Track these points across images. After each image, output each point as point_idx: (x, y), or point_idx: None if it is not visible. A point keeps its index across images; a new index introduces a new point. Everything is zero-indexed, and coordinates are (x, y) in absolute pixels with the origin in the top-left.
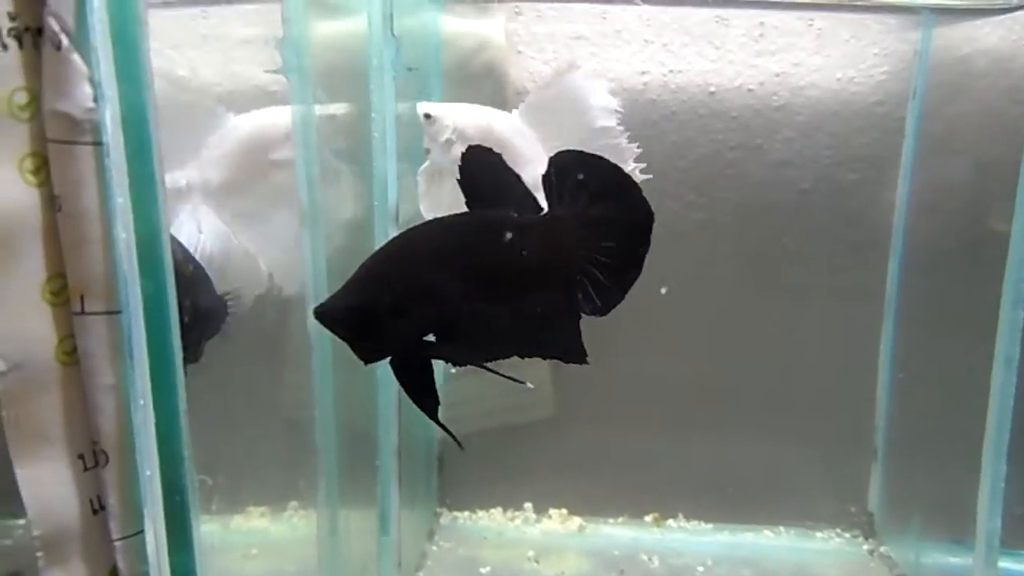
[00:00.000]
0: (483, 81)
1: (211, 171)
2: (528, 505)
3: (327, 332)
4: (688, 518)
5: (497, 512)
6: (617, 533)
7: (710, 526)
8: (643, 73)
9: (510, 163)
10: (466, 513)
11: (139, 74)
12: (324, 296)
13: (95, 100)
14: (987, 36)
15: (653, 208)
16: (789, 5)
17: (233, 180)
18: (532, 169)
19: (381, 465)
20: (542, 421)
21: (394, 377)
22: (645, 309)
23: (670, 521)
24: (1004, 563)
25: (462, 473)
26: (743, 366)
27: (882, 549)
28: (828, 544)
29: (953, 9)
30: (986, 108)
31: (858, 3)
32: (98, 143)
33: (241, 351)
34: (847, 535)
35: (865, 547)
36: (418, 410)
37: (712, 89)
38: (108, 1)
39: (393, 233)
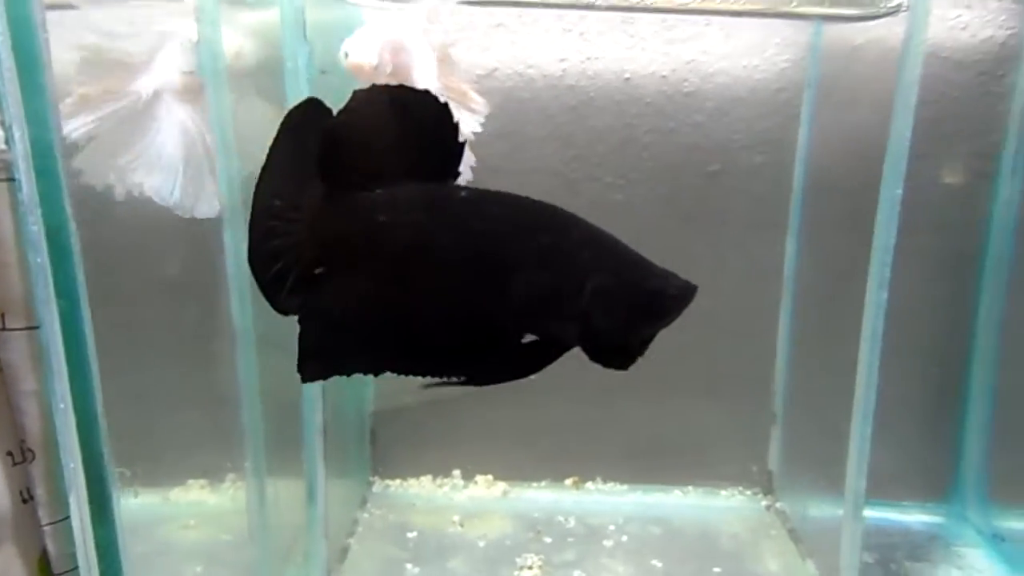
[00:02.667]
0: None
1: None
2: (457, 472)
3: (249, 316)
4: (605, 480)
5: (427, 480)
6: (539, 496)
7: (625, 487)
8: (562, 60)
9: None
10: (397, 481)
11: (46, 115)
12: (248, 295)
13: (6, 142)
14: (874, 29)
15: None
16: (692, 11)
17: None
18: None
19: (306, 440)
20: (472, 393)
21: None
22: None
23: (588, 484)
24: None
25: (394, 443)
26: (657, 337)
27: (778, 505)
28: (731, 501)
29: (838, 16)
30: (873, 97)
31: (755, 10)
32: (11, 179)
33: (169, 333)
34: (748, 492)
35: (763, 503)
36: (348, 384)
37: (627, 76)
38: (15, 51)
39: None
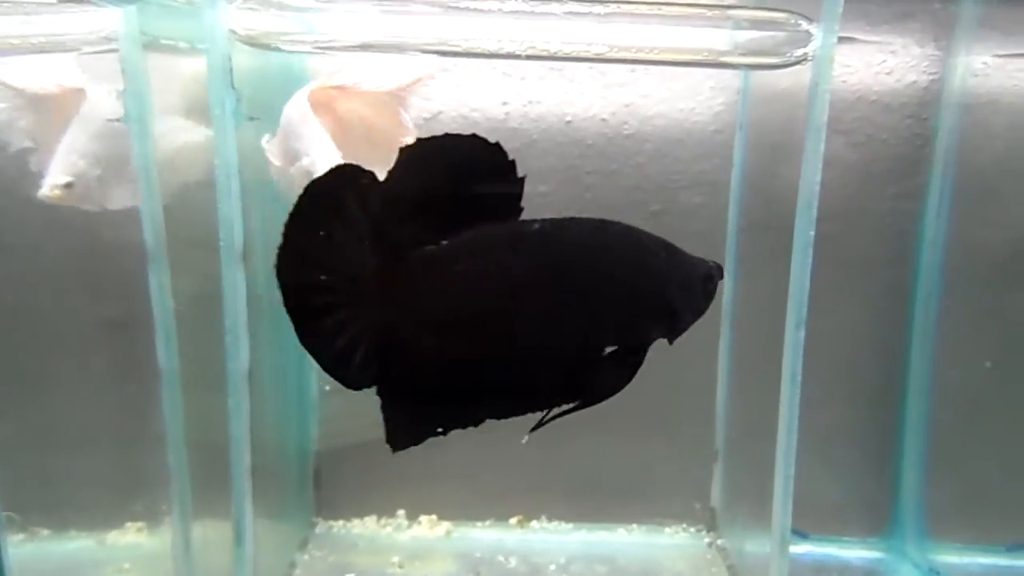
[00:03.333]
0: None
1: None
2: (401, 512)
3: (175, 356)
4: (551, 519)
5: (371, 520)
6: (482, 536)
7: (570, 526)
8: (504, 104)
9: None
10: (341, 522)
11: None
12: (173, 335)
13: None
14: (798, 72)
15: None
16: (626, 60)
17: None
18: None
19: (234, 481)
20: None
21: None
22: None
23: (533, 522)
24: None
25: (339, 484)
26: None
27: (719, 542)
28: (674, 539)
29: (743, 64)
30: (794, 139)
31: (683, 60)
32: None
33: (95, 373)
34: (692, 530)
35: (706, 540)
36: (292, 428)
37: (568, 119)
38: None
39: (239, 274)
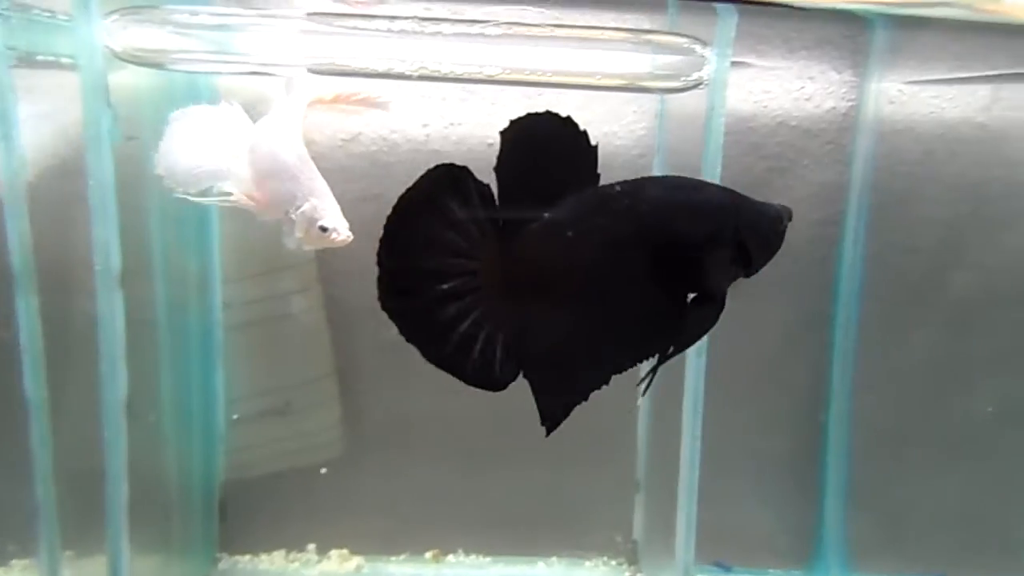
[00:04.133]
0: None
1: None
2: (311, 546)
3: (42, 386)
4: (468, 552)
5: (279, 555)
6: (396, 570)
7: (488, 559)
8: (425, 125)
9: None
10: (247, 557)
11: None
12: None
13: None
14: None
15: None
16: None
17: None
18: None
19: (109, 517)
20: (331, 461)
21: None
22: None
23: (450, 556)
24: None
25: (246, 516)
26: (518, 405)
27: (639, 575)
28: (595, 572)
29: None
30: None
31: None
32: None
33: None
34: (613, 563)
35: (627, 573)
36: (195, 459)
37: (490, 141)
38: None
39: (117, 299)
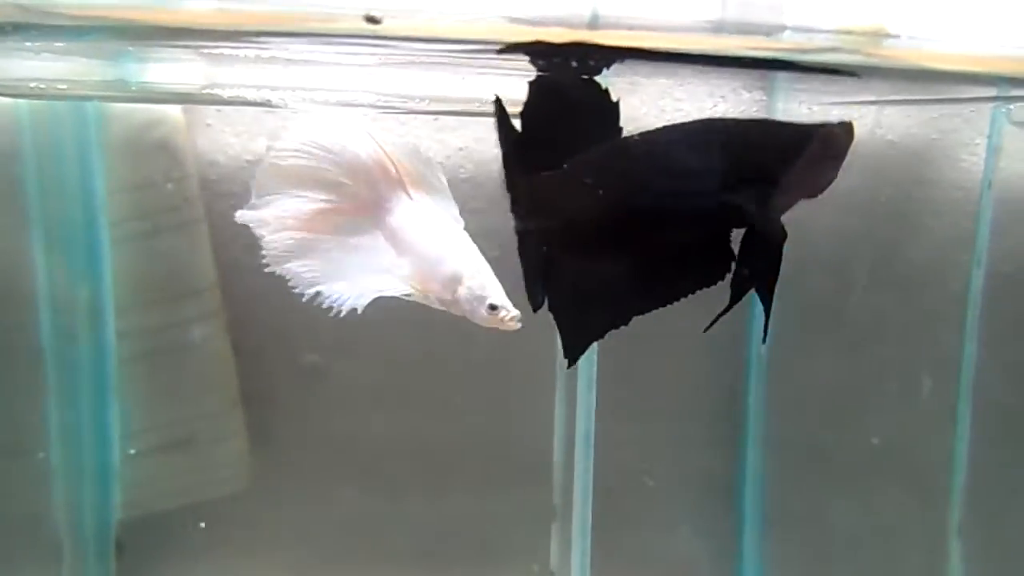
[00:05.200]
0: (157, 157)
1: None
2: None
3: None
4: None
5: None
6: None
7: None
8: None
9: None
10: None
11: None
12: None
13: None
14: None
15: None
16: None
17: None
18: None
19: None
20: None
21: None
22: (339, 373)
23: None
24: None
25: (147, 555)
26: (432, 433)
27: None
28: None
29: None
30: None
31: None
32: None
33: None
34: None
35: None
36: (87, 496)
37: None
38: None
39: None
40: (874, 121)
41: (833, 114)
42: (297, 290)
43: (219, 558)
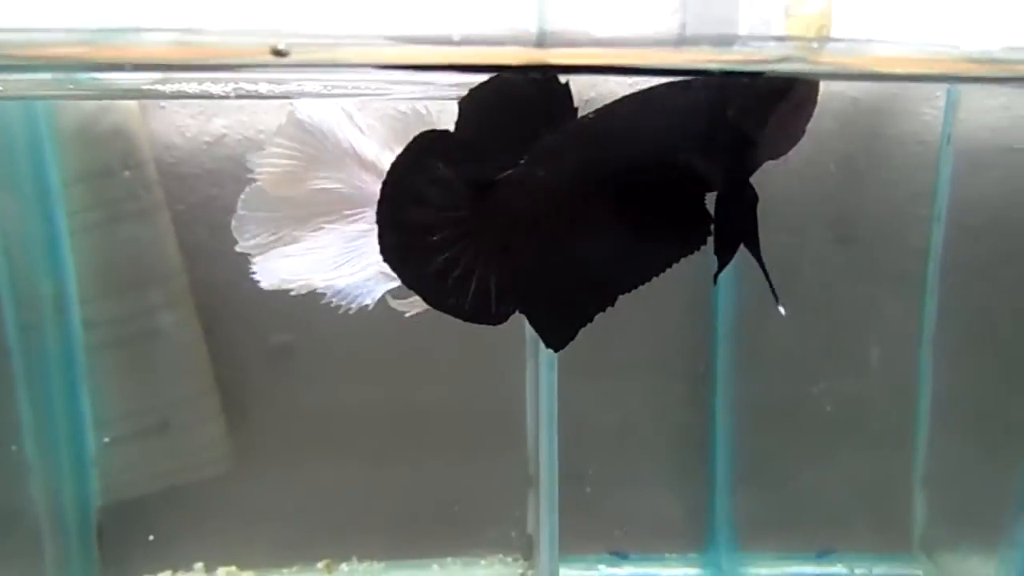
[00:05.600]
0: (112, 144)
1: None
2: (199, 565)
3: None
4: (361, 559)
5: None
6: None
7: (382, 565)
8: None
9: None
10: None
11: None
12: None
13: None
14: None
15: None
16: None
17: None
18: None
19: None
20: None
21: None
22: (311, 351)
23: (343, 565)
24: None
25: (128, 539)
26: (406, 405)
27: (530, 573)
28: (490, 571)
29: None
30: None
31: None
32: None
33: None
34: (509, 559)
35: (519, 570)
36: (65, 485)
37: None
38: None
39: None
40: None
41: None
42: (296, 292)
43: (197, 540)
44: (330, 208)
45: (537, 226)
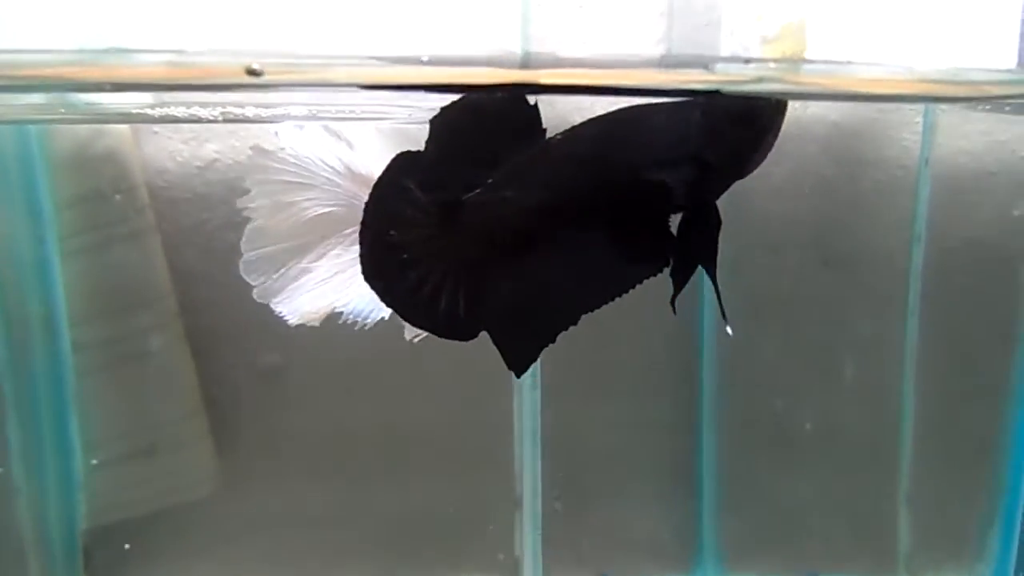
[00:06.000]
0: (104, 168)
1: None
2: None
3: None
4: None
5: None
6: None
7: None
8: (283, 149)
9: None
10: None
11: None
12: None
13: None
14: None
15: None
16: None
17: None
18: None
19: None
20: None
21: None
22: (299, 372)
23: None
24: None
25: (116, 563)
26: (394, 427)
27: None
28: None
29: None
30: None
31: None
32: None
33: None
34: None
35: None
36: (51, 508)
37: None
38: None
39: None
40: (803, 103)
41: None
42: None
43: (185, 561)
44: (330, 229)
45: (502, 245)
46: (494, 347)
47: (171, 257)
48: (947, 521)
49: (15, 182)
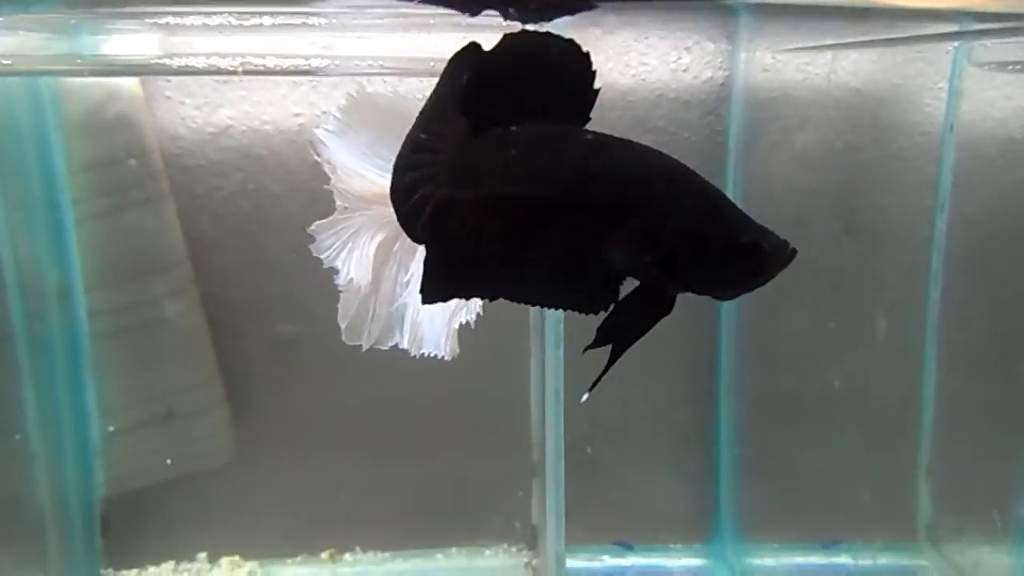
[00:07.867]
0: (117, 132)
1: None
2: (203, 555)
3: None
4: (365, 550)
5: (168, 566)
6: (290, 573)
7: (386, 555)
8: (296, 115)
9: None
10: (134, 571)
11: None
12: None
13: None
14: None
15: None
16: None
17: None
18: None
19: None
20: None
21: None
22: (315, 342)
23: (347, 555)
24: None
25: (132, 529)
26: (411, 397)
27: (535, 562)
28: (494, 561)
29: None
30: None
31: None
32: None
33: None
34: (513, 549)
35: (524, 559)
36: (69, 474)
37: None
38: None
39: None
40: (830, 68)
41: (793, 63)
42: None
43: (201, 530)
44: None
45: (483, 192)
46: (512, 319)
47: (185, 224)
48: (969, 492)
49: (29, 148)
